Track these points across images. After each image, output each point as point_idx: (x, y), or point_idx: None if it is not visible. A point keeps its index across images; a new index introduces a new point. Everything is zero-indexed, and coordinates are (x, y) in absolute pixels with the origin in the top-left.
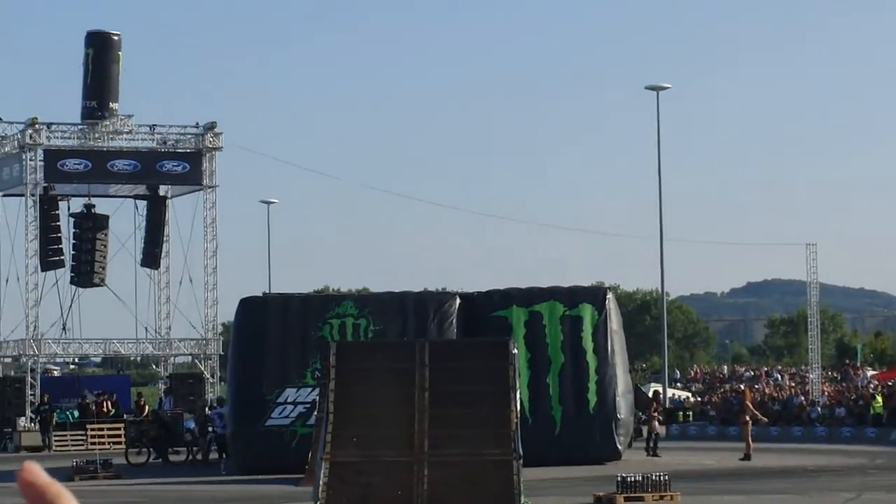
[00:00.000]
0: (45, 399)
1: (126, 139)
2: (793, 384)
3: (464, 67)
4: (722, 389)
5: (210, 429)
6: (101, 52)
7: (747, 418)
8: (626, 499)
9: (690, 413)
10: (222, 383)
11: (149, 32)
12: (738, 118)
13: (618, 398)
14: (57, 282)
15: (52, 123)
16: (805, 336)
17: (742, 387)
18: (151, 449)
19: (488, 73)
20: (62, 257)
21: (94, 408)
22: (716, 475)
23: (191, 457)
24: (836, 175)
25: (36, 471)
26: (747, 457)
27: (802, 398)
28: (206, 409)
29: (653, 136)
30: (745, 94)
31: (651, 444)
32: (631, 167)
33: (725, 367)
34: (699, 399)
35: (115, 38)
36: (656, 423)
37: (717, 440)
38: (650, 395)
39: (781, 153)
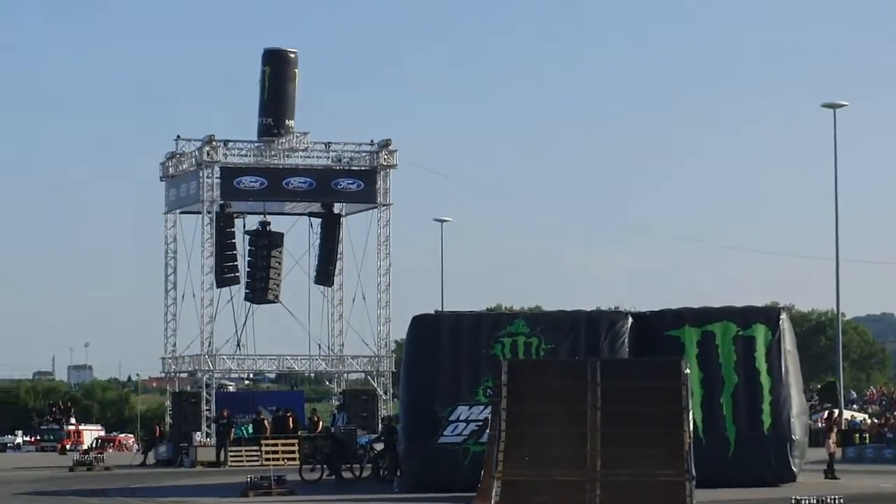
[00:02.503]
0: (225, 414)
1: (301, 156)
2: None
3: (635, 84)
4: None
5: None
6: (277, 69)
7: None
8: None
9: (867, 435)
10: (395, 400)
11: (325, 49)
12: None
13: (792, 419)
14: (232, 298)
15: (228, 141)
16: None
17: None
18: (325, 466)
19: (655, 91)
20: (237, 274)
21: (269, 423)
22: (894, 499)
23: (360, 473)
24: None
25: None
26: None
27: None
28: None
29: (830, 155)
30: None
31: (828, 467)
32: (809, 186)
33: None
34: (876, 421)
35: (292, 55)
36: (832, 444)
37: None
38: (825, 416)
39: None
